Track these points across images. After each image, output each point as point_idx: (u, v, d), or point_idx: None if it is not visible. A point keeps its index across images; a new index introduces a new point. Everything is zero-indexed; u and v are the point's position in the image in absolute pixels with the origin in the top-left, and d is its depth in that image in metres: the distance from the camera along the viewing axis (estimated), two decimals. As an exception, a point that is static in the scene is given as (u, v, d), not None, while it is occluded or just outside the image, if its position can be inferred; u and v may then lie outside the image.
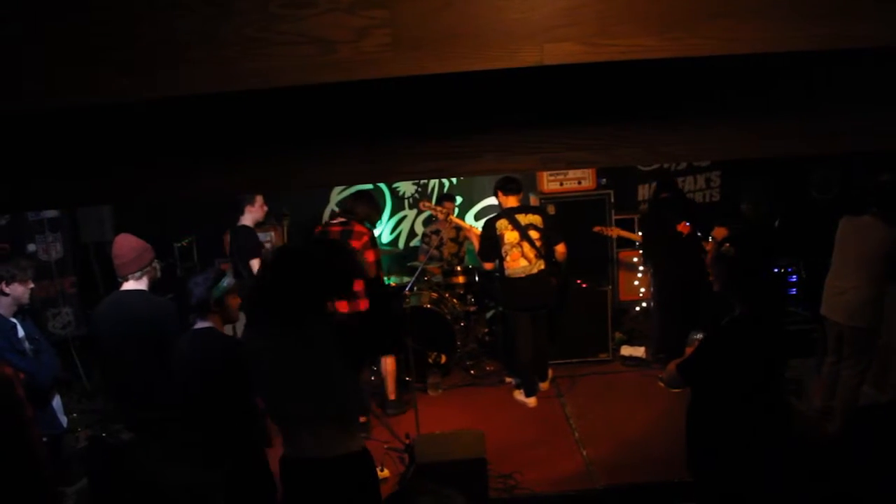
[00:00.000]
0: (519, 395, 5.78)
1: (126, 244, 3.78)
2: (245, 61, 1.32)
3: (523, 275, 5.36)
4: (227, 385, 3.08)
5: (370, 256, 5.06)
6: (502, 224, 5.37)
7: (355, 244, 5.05)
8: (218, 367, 3.12)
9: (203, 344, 3.21)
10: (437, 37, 1.27)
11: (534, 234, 5.35)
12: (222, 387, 3.09)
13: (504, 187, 5.44)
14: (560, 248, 5.52)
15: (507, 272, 5.41)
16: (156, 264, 3.87)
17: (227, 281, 3.32)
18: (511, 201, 5.42)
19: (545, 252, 5.39)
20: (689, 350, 5.46)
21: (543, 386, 5.85)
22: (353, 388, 2.81)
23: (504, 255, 5.38)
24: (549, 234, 5.44)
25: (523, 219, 5.36)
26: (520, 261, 5.35)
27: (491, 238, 5.41)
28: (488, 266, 5.60)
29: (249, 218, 5.38)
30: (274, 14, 1.29)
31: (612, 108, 1.58)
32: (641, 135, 1.60)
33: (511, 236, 5.34)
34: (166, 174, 1.89)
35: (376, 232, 7.88)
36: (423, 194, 7.84)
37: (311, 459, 2.67)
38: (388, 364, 5.53)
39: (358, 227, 5.17)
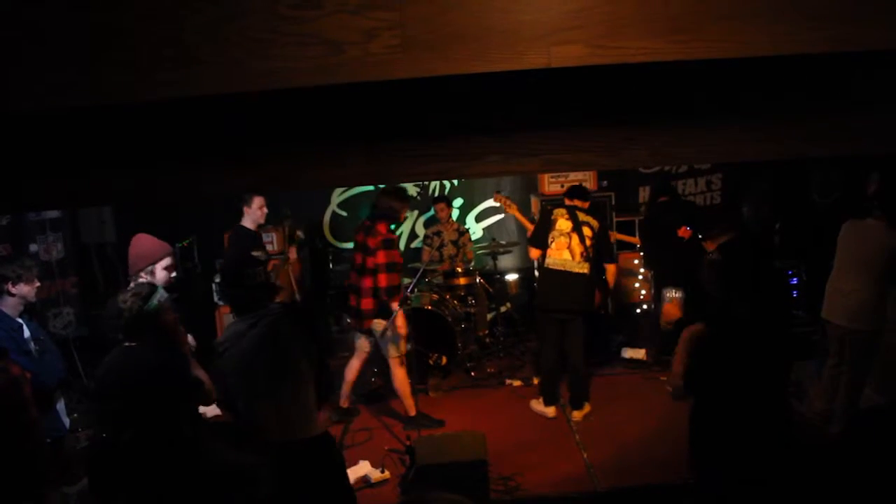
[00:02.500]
0: (537, 405, 5.54)
1: (133, 246, 3.82)
2: (252, 62, 1.32)
3: (561, 268, 5.19)
4: (156, 405, 2.89)
5: (381, 257, 4.94)
6: (559, 211, 5.30)
7: (371, 242, 4.99)
8: (150, 387, 2.91)
9: (135, 362, 2.95)
10: (445, 39, 1.27)
11: (587, 232, 5.21)
12: (152, 407, 2.89)
13: (569, 192, 5.45)
14: (611, 269, 5.44)
15: (546, 261, 5.28)
16: (155, 268, 3.79)
17: (158, 296, 3.04)
18: (576, 202, 5.36)
19: (593, 257, 5.22)
20: (667, 306, 5.61)
21: (576, 415, 5.38)
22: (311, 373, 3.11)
23: (550, 241, 5.25)
24: (601, 246, 5.31)
25: (582, 216, 5.27)
26: (563, 252, 5.19)
27: (545, 221, 5.32)
28: (535, 254, 5.45)
29: (248, 220, 5.33)
30: (282, 15, 1.29)
31: (617, 111, 1.58)
32: (647, 137, 1.60)
33: (563, 224, 5.23)
34: (170, 175, 1.90)
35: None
36: (425, 195, 7.85)
37: (277, 443, 2.96)
38: (399, 378, 5.16)
39: (379, 226, 5.02)
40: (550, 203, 6.70)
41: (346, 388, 5.44)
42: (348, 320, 7.01)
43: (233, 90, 1.35)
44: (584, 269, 5.18)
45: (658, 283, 6.30)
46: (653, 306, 6.64)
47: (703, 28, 1.28)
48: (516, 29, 1.27)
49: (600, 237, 5.29)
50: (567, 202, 5.40)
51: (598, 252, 5.28)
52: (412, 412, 5.22)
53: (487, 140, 1.63)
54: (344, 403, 5.46)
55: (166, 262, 3.84)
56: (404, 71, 1.28)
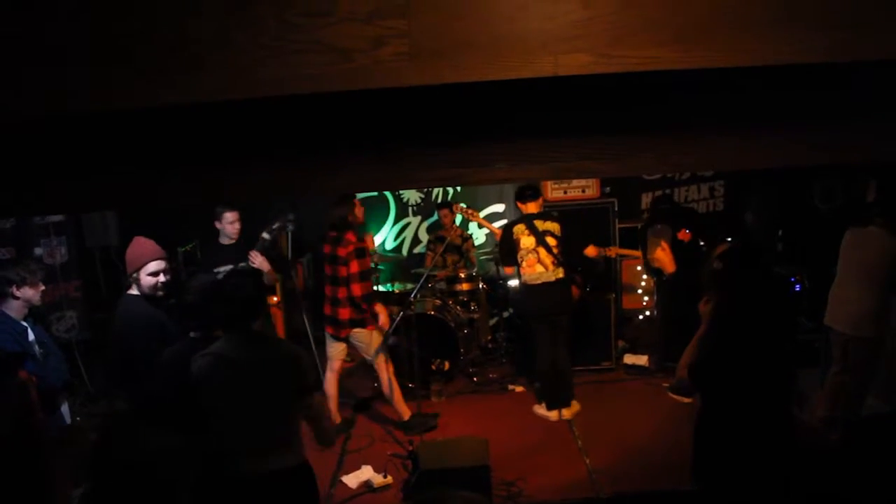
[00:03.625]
0: (540, 410, 5.59)
1: (128, 248, 3.80)
2: (261, 69, 1.33)
3: (538, 281, 5.31)
4: None
5: (354, 267, 4.89)
6: (519, 229, 5.36)
7: (341, 251, 4.94)
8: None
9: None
10: (453, 46, 1.29)
11: (551, 241, 5.30)
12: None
13: (521, 195, 5.45)
14: (589, 250, 5.66)
15: (523, 278, 5.39)
16: (139, 274, 3.69)
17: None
18: (530, 208, 5.41)
19: (564, 260, 5.33)
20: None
21: (565, 413, 5.47)
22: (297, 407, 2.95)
23: (520, 260, 5.35)
24: (568, 244, 5.39)
25: (541, 225, 5.33)
26: (536, 266, 5.30)
27: (508, 242, 5.39)
28: (508, 270, 5.60)
29: (222, 235, 5.10)
30: (291, 23, 1.30)
31: (624, 118, 1.59)
32: (652, 144, 1.61)
33: (527, 241, 5.31)
34: (176, 180, 1.90)
35: (379, 238, 7.91)
36: (428, 201, 7.87)
37: (252, 475, 2.76)
38: (386, 382, 5.21)
39: (347, 235, 4.94)
40: (552, 208, 6.74)
41: (331, 405, 5.30)
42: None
43: (242, 96, 1.36)
44: (558, 274, 5.33)
45: (659, 288, 6.30)
46: (655, 312, 6.64)
47: (706, 37, 1.29)
48: (523, 37, 1.29)
49: (564, 238, 5.37)
50: (521, 208, 5.44)
51: (567, 252, 5.38)
52: (406, 416, 5.26)
53: (494, 147, 1.64)
54: (335, 421, 5.36)
55: (151, 267, 3.68)
56: (412, 78, 1.30)
